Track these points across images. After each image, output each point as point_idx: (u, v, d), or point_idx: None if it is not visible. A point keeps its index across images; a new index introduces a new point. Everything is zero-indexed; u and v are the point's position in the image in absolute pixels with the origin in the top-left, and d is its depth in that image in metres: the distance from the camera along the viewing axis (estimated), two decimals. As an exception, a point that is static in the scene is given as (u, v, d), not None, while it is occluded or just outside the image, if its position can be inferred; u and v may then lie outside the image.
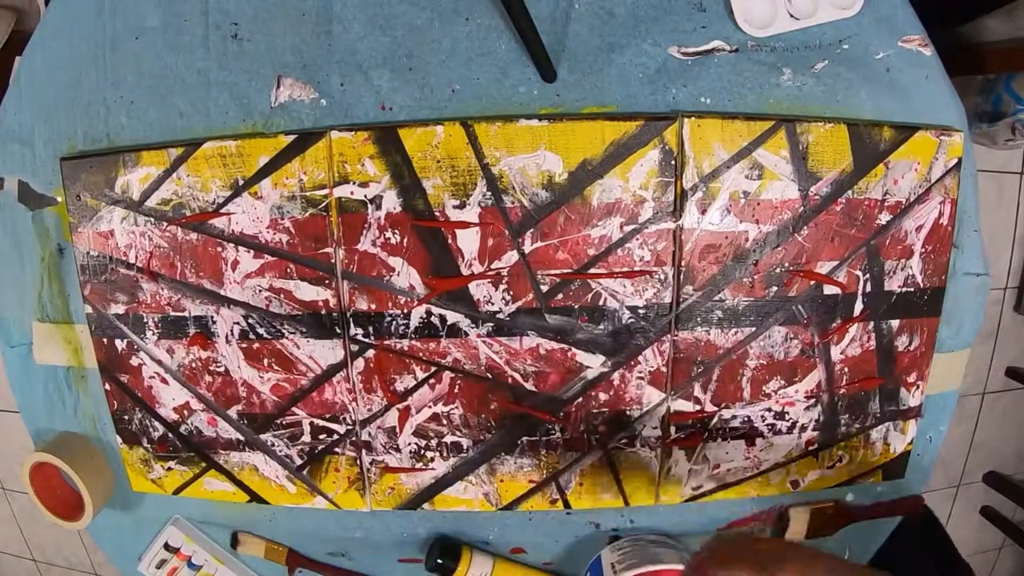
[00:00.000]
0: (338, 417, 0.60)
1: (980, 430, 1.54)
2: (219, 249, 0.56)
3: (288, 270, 0.56)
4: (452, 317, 0.56)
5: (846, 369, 0.58)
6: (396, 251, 0.55)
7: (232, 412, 0.61)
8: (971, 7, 0.75)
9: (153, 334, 0.59)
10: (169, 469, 0.64)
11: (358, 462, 0.61)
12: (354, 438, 0.60)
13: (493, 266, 0.54)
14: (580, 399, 0.58)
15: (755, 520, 0.65)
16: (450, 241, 0.54)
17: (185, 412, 0.62)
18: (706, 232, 0.54)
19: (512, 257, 0.54)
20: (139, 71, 0.55)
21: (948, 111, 0.54)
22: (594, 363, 0.57)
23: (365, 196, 0.54)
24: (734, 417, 0.59)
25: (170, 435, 0.63)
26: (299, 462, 0.62)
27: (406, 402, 0.59)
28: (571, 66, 0.52)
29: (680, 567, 0.57)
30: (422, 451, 0.60)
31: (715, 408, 0.58)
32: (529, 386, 0.58)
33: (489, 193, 0.53)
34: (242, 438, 0.62)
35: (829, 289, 0.56)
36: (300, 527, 0.66)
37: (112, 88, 0.56)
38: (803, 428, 0.60)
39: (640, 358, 0.57)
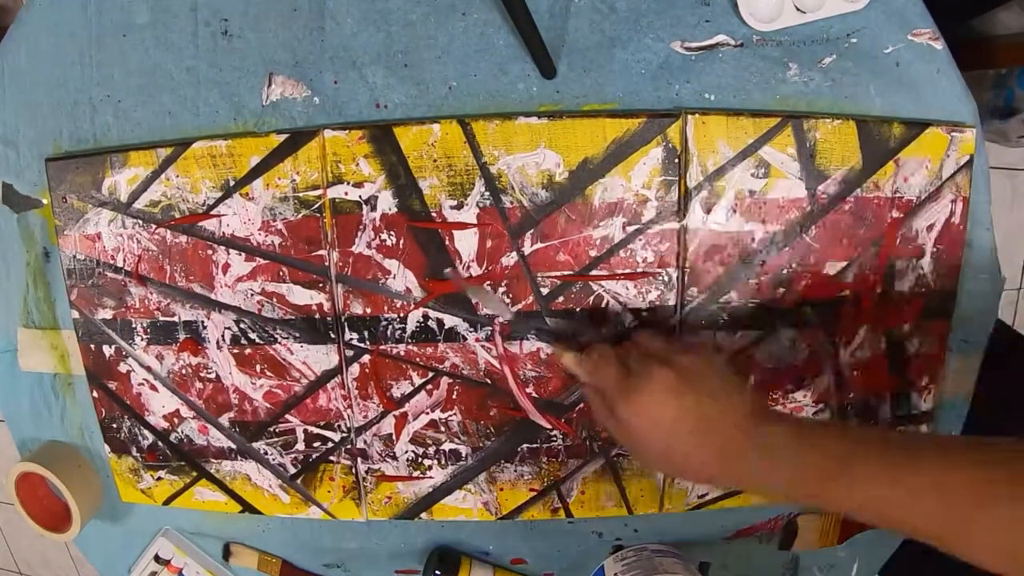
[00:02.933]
0: (333, 424, 0.58)
1: (993, 434, 1.51)
2: (209, 252, 0.55)
3: (281, 273, 0.54)
4: (450, 321, 0.54)
5: (856, 373, 0.57)
6: (392, 253, 0.53)
7: (223, 420, 0.59)
8: (983, 0, 0.74)
9: (142, 340, 0.58)
10: (159, 479, 0.62)
11: (353, 471, 0.59)
12: (349, 446, 0.59)
13: (492, 268, 0.53)
14: (582, 404, 0.56)
15: (763, 528, 0.63)
16: (447, 243, 0.53)
17: (175, 420, 0.60)
18: (711, 232, 0.52)
19: (511, 259, 0.53)
20: (126, 69, 0.54)
21: (960, 106, 0.52)
22: (596, 368, 0.55)
23: (360, 197, 0.52)
24: (741, 423, 0.57)
25: (160, 444, 0.61)
26: (293, 471, 0.60)
27: (403, 409, 0.57)
28: (571, 62, 0.51)
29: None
30: (419, 459, 0.59)
31: (721, 413, 0.57)
32: (530, 391, 0.56)
33: (487, 193, 0.51)
34: (234, 446, 0.60)
35: (838, 291, 0.54)
36: (294, 538, 0.64)
37: (98, 87, 0.54)
38: (811, 434, 0.58)
39: (644, 362, 0.55)
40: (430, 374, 0.56)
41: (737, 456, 0.41)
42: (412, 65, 0.51)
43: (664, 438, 0.43)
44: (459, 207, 0.52)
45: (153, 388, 0.59)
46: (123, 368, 0.59)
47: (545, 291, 0.53)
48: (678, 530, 0.62)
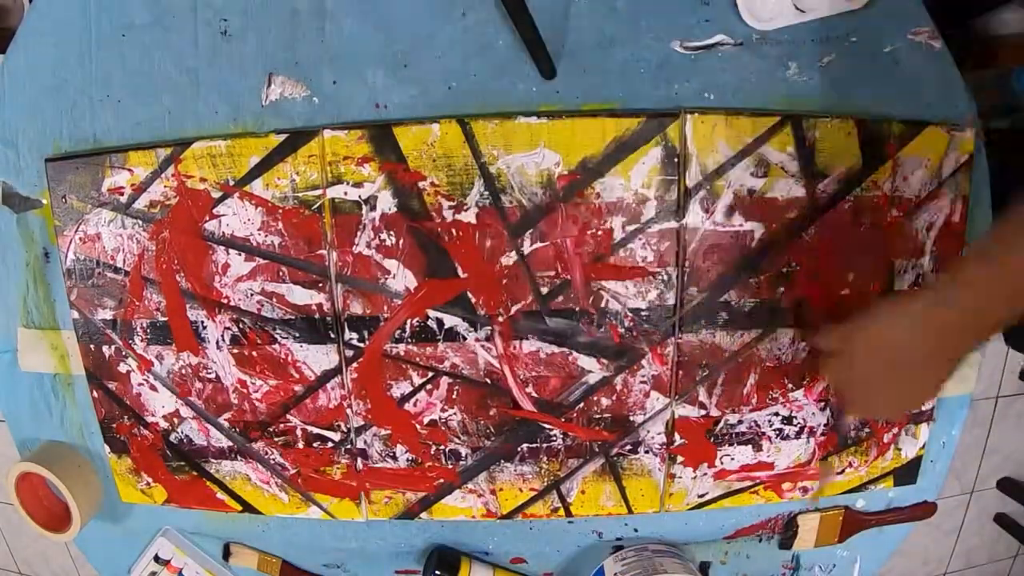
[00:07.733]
0: (333, 424, 0.58)
1: (994, 434, 1.51)
2: (209, 252, 0.55)
3: (280, 273, 0.54)
4: (449, 321, 0.54)
5: (855, 372, 0.57)
6: (391, 253, 0.53)
7: (223, 420, 0.59)
8: (983, 0, 0.73)
9: (142, 340, 0.58)
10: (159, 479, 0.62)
11: (353, 471, 0.59)
12: (349, 446, 0.59)
13: (491, 268, 0.53)
14: (581, 404, 0.56)
15: (763, 528, 0.63)
16: (447, 242, 0.53)
17: (175, 420, 0.60)
18: (710, 232, 0.52)
19: (511, 258, 0.53)
20: (126, 70, 0.54)
21: (959, 105, 0.52)
22: (595, 367, 0.55)
23: (359, 197, 0.52)
24: (740, 422, 0.57)
25: (160, 444, 0.61)
26: (292, 471, 0.60)
27: (403, 409, 0.57)
28: (571, 62, 0.51)
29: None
30: (419, 459, 0.59)
31: (721, 413, 0.57)
32: (530, 391, 0.56)
33: (487, 193, 0.51)
34: (234, 446, 0.60)
35: (838, 290, 0.54)
36: (294, 538, 0.64)
37: (98, 87, 0.54)
38: (812, 433, 0.58)
39: (643, 362, 0.55)
40: (430, 374, 0.56)
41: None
42: (412, 65, 0.51)
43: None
44: (458, 207, 0.52)
45: (153, 388, 0.59)
46: (123, 368, 0.59)
47: (544, 290, 0.53)
48: (678, 529, 0.62)
